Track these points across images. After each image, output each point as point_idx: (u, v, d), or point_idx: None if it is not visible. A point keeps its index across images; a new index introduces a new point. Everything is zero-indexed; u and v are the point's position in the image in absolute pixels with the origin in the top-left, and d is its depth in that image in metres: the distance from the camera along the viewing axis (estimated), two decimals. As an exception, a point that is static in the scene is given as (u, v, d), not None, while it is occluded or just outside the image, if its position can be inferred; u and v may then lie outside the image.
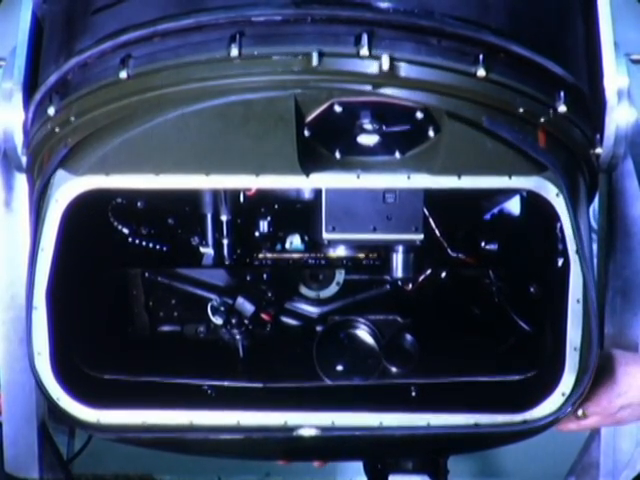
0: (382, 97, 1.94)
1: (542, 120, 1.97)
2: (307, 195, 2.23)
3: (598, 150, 2.11)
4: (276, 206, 2.31)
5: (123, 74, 1.93)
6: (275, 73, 1.90)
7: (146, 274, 2.45)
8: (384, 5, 1.94)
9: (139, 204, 2.30)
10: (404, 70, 1.89)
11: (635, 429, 2.38)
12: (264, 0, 1.94)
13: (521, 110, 1.96)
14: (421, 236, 2.11)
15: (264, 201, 2.28)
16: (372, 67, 1.89)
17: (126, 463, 3.46)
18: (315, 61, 1.87)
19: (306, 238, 2.33)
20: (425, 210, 2.12)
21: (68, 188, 2.00)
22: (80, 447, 2.75)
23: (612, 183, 2.27)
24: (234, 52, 1.89)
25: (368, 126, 1.98)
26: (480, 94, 1.93)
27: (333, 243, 2.22)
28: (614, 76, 2.11)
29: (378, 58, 1.88)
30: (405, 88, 1.92)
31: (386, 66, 1.88)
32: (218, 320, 2.30)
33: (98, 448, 2.70)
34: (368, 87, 1.92)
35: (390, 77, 1.90)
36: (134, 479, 3.51)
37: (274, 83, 1.91)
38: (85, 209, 2.05)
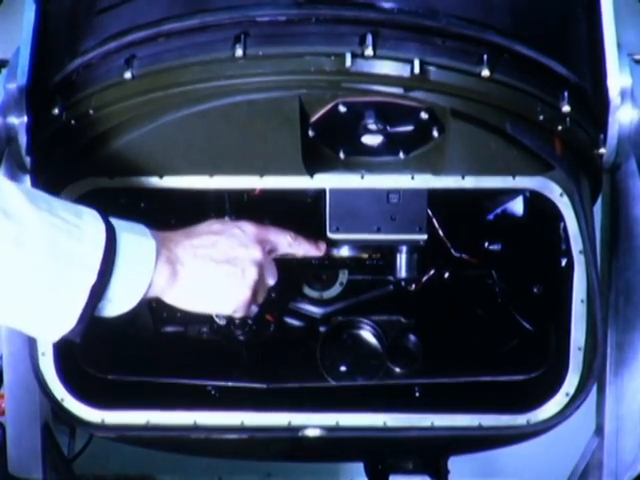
0: (385, 96, 1.95)
1: (546, 120, 1.97)
2: (311, 195, 2.23)
3: (601, 150, 2.12)
4: (279, 206, 2.30)
5: (127, 75, 1.93)
6: (282, 73, 1.91)
7: None
8: (388, 5, 1.94)
9: (142, 205, 2.30)
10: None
11: (639, 429, 2.37)
12: (269, 0, 1.95)
13: (525, 110, 1.96)
14: (425, 236, 2.11)
15: (267, 201, 2.28)
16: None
17: (127, 464, 3.47)
18: (349, 62, 1.87)
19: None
20: (429, 210, 2.12)
21: (71, 189, 2.00)
22: (81, 447, 2.74)
23: (615, 183, 2.27)
24: (239, 52, 1.89)
25: (372, 126, 1.98)
26: (484, 94, 1.93)
27: (337, 243, 2.21)
28: (617, 76, 2.11)
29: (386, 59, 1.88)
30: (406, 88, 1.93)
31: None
32: (221, 320, 2.30)
33: (99, 449, 2.70)
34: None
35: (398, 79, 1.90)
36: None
37: (280, 83, 1.92)
38: None
